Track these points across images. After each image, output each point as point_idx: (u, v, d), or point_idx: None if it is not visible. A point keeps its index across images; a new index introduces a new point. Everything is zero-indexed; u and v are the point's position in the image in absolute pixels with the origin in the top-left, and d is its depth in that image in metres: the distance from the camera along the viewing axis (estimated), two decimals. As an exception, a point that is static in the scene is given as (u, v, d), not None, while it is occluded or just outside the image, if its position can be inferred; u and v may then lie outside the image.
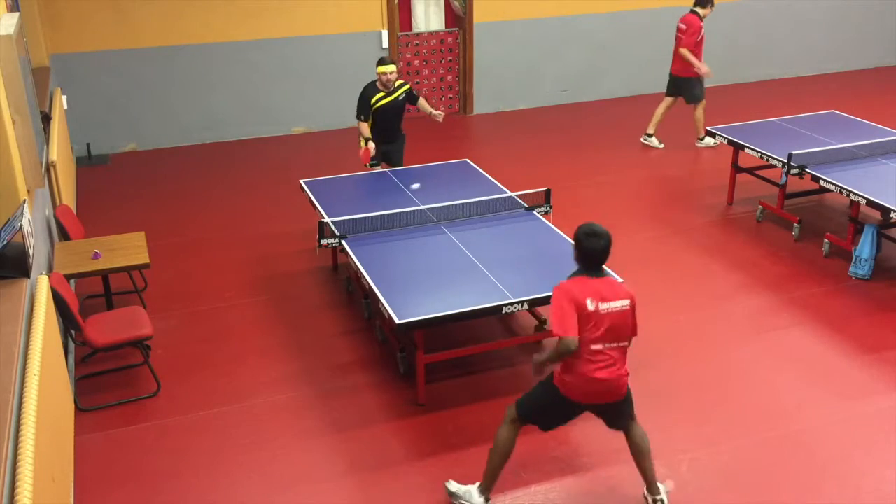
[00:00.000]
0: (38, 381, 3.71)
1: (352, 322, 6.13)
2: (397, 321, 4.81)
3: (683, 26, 9.18)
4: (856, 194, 6.43)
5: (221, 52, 9.67)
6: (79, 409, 5.13)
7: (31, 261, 4.46)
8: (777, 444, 4.77)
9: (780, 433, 4.86)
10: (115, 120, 9.56)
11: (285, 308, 6.33)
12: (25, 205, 4.60)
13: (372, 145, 6.96)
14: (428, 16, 10.60)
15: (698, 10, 9.19)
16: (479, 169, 7.17)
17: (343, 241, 5.79)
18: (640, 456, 4.21)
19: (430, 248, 5.73)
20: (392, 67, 6.92)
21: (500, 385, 5.35)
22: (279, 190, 8.46)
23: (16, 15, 5.81)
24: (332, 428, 4.98)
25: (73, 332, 5.21)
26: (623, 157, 9.32)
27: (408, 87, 7.13)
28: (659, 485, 4.27)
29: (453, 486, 4.35)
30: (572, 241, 4.03)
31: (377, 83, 7.00)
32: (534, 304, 5.04)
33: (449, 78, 10.86)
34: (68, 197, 7.27)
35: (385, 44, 10.21)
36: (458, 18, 10.66)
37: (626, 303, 3.96)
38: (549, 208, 6.27)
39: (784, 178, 7.38)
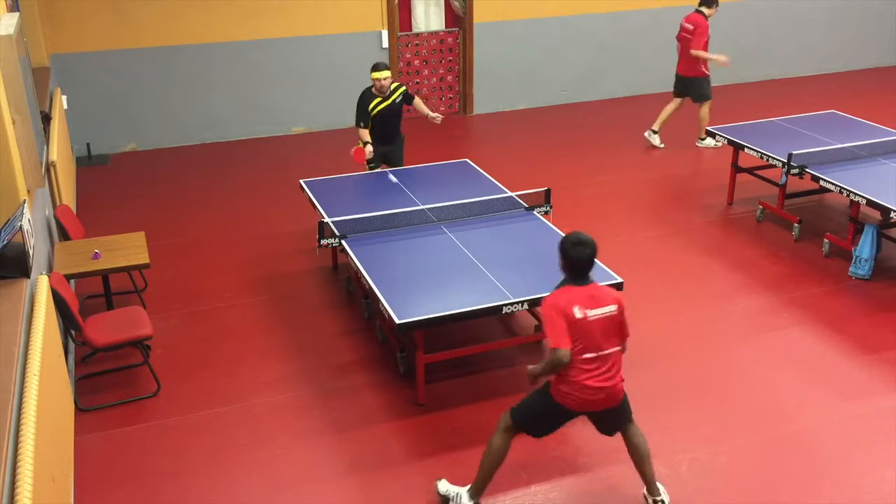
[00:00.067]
0: (38, 381, 3.71)
1: (352, 322, 6.13)
2: (397, 321, 4.81)
3: (690, 26, 9.16)
4: (856, 194, 6.43)
5: (221, 52, 9.67)
6: (79, 409, 5.13)
7: (31, 261, 4.46)
8: (777, 444, 4.77)
9: (780, 433, 4.86)
10: (115, 120, 9.56)
11: (285, 308, 6.33)
12: (25, 205, 4.60)
13: (370, 148, 6.96)
14: (428, 16, 10.60)
15: (704, 9, 9.18)
16: (479, 169, 7.17)
17: (343, 241, 5.79)
18: (640, 458, 4.21)
19: (430, 248, 5.73)
20: (386, 73, 6.91)
21: (500, 385, 5.35)
22: (279, 190, 8.46)
23: (16, 15, 5.81)
24: (332, 428, 4.98)
25: (73, 332, 5.21)
26: (623, 157, 9.32)
27: (403, 88, 7.14)
28: (659, 485, 4.27)
29: (443, 486, 4.34)
30: (558, 251, 4.04)
31: (373, 89, 7.00)
32: (534, 304, 5.03)
33: (449, 78, 10.87)
34: (68, 197, 7.27)
35: (385, 44, 10.21)
36: (458, 18, 10.66)
37: (613, 308, 3.97)
38: (549, 208, 6.27)
39: (784, 178, 7.38)
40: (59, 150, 6.95)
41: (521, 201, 6.34)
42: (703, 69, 9.26)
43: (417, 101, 7.29)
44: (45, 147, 6.52)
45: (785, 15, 11.92)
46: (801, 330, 5.91)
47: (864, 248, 6.49)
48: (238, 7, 9.54)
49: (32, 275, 4.52)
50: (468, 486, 4.28)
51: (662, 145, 9.56)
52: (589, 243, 3.97)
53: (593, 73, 11.29)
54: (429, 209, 6.22)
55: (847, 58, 12.57)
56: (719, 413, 5.05)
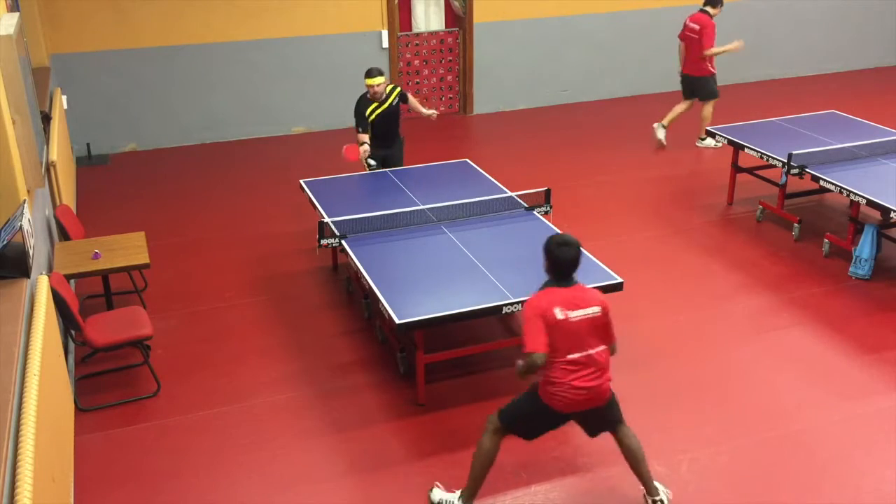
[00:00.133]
0: (38, 381, 3.71)
1: (352, 322, 6.13)
2: (397, 321, 4.81)
3: (696, 26, 9.14)
4: (856, 194, 6.43)
5: (221, 52, 9.67)
6: (79, 409, 5.13)
7: (31, 261, 4.46)
8: (777, 444, 4.77)
9: (780, 433, 4.86)
10: (115, 120, 9.56)
11: (285, 308, 6.33)
12: (25, 205, 4.60)
13: (365, 147, 6.94)
14: (428, 16, 10.60)
15: (709, 9, 9.17)
16: (479, 169, 7.17)
17: (343, 241, 5.80)
18: (635, 460, 4.20)
19: (430, 248, 5.73)
20: (380, 79, 6.87)
21: (500, 385, 5.35)
22: (279, 190, 8.46)
23: (16, 15, 5.81)
24: (332, 428, 4.98)
25: (73, 332, 5.21)
26: (623, 157, 9.32)
27: (398, 90, 7.12)
28: (657, 485, 4.27)
29: (437, 495, 4.33)
30: (543, 252, 4.04)
31: (368, 95, 6.98)
32: (534, 304, 5.03)
33: (449, 78, 10.87)
34: (68, 197, 7.27)
35: (385, 44, 10.21)
36: (458, 18, 10.66)
37: (597, 309, 3.97)
38: (549, 208, 6.27)
39: (784, 178, 7.38)
40: (59, 150, 6.95)
41: (521, 201, 6.34)
42: (710, 68, 9.26)
43: (411, 99, 7.29)
44: (45, 147, 6.52)
45: (785, 15, 11.92)
46: (801, 330, 5.91)
47: (864, 248, 6.49)
48: (238, 7, 9.54)
49: (32, 275, 4.52)
50: (460, 492, 4.28)
51: (665, 143, 9.55)
52: (573, 244, 3.99)
53: (593, 73, 11.29)
54: (429, 209, 6.23)
55: (847, 58, 12.58)
56: (719, 413, 5.05)
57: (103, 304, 5.90)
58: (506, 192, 6.51)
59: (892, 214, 6.12)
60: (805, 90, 11.64)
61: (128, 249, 5.84)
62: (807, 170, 6.94)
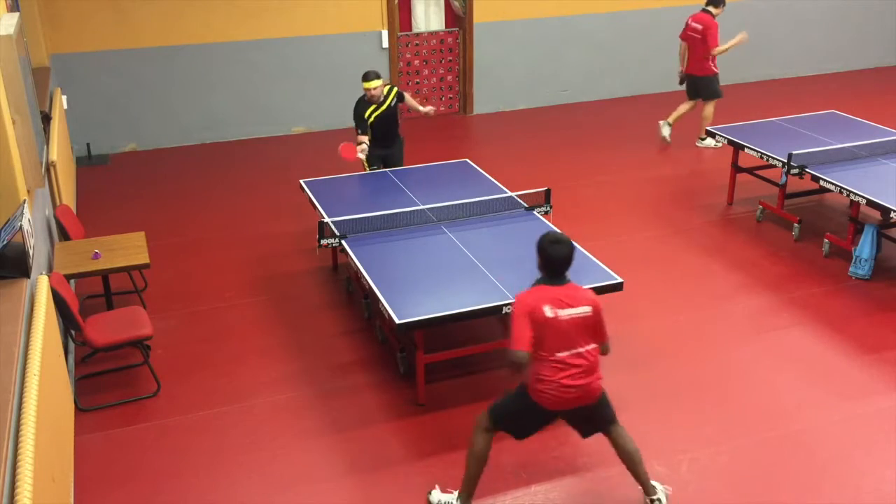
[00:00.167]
0: (38, 381, 3.71)
1: (352, 322, 6.13)
2: (397, 321, 4.81)
3: (699, 26, 9.14)
4: (856, 194, 6.43)
5: (221, 52, 9.67)
6: (79, 409, 5.13)
7: (31, 261, 4.46)
8: (777, 444, 4.77)
9: (780, 433, 4.86)
10: (115, 120, 9.56)
11: (285, 308, 6.33)
12: (25, 205, 4.60)
13: (363, 147, 6.93)
14: (428, 16, 10.60)
15: (711, 9, 9.17)
16: (479, 169, 7.17)
17: (343, 241, 5.80)
18: (630, 461, 4.19)
19: (430, 248, 5.73)
20: (376, 83, 6.86)
21: (500, 385, 5.33)
22: (279, 190, 8.46)
23: (16, 15, 5.81)
24: (331, 428, 4.98)
25: (73, 332, 5.21)
26: (623, 157, 9.32)
27: (395, 90, 7.12)
28: (654, 484, 4.26)
29: (435, 497, 4.33)
30: (536, 250, 4.04)
31: (365, 97, 6.98)
32: (534, 304, 5.03)
33: (449, 78, 10.87)
34: (68, 197, 7.27)
35: (385, 44, 10.21)
36: (458, 18, 10.66)
37: (587, 309, 3.96)
38: (549, 208, 6.27)
39: (784, 178, 7.38)
40: (59, 150, 6.95)
41: (521, 201, 6.34)
42: (713, 67, 9.27)
43: (408, 97, 7.30)
44: (45, 147, 6.52)
45: (785, 15, 11.92)
46: (801, 330, 5.91)
47: (864, 248, 6.49)
48: (238, 7, 9.54)
49: (32, 275, 4.52)
50: (457, 492, 4.28)
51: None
52: (566, 242, 4.00)
53: (593, 73, 11.29)
54: (429, 209, 6.23)
55: (847, 58, 12.58)
56: (719, 413, 5.05)
57: (103, 304, 5.90)
58: (506, 192, 6.51)
59: (892, 214, 6.12)
60: (805, 90, 11.64)
61: (128, 249, 5.84)
62: (807, 170, 6.94)
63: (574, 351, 3.95)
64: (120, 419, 5.09)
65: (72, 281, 5.81)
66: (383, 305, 4.98)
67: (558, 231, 4.08)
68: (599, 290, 5.09)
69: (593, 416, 4.15)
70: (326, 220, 5.99)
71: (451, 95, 10.96)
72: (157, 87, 9.59)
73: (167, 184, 8.80)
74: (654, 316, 6.11)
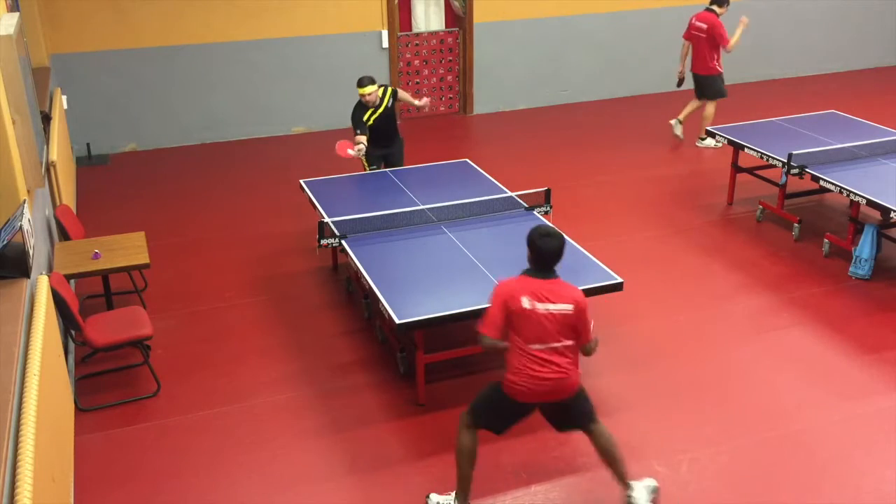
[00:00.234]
0: (38, 381, 3.71)
1: (352, 322, 6.13)
2: (397, 321, 4.81)
3: (704, 25, 9.15)
4: (856, 194, 6.43)
5: (221, 52, 9.67)
6: (79, 409, 5.13)
7: (31, 261, 4.46)
8: (777, 444, 4.77)
9: (780, 433, 4.86)
10: (115, 120, 9.56)
11: (285, 308, 6.33)
12: (25, 205, 4.60)
13: (361, 146, 6.92)
14: (428, 16, 10.60)
15: (715, 8, 9.19)
16: (479, 169, 7.17)
17: (343, 241, 5.80)
18: (609, 459, 4.16)
19: (430, 248, 5.73)
20: (371, 88, 6.87)
21: (500, 385, 5.34)
22: (279, 190, 8.46)
23: (16, 15, 5.81)
24: (332, 428, 4.98)
25: (73, 332, 5.21)
26: (623, 157, 9.32)
27: (390, 90, 7.13)
28: (631, 483, 4.20)
29: (434, 499, 4.32)
30: (526, 242, 4.05)
31: (362, 102, 6.98)
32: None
33: (449, 78, 10.87)
34: (68, 197, 7.27)
35: (385, 44, 10.21)
36: (458, 18, 10.66)
37: (568, 307, 3.94)
38: (549, 208, 6.27)
39: (784, 178, 7.38)
40: (59, 150, 6.95)
41: (521, 201, 6.34)
42: (717, 66, 9.28)
43: (401, 93, 7.31)
44: (45, 147, 6.52)
45: (785, 15, 11.92)
46: (801, 330, 5.91)
47: (864, 248, 6.49)
48: (238, 7, 9.54)
49: (32, 275, 4.52)
50: (454, 493, 4.27)
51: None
52: (556, 235, 4.01)
53: (593, 73, 11.29)
54: (429, 209, 6.23)
55: (847, 58, 12.57)
56: (719, 413, 5.05)
57: (103, 304, 5.90)
58: (506, 192, 6.51)
59: (892, 214, 6.12)
60: (805, 90, 11.64)
61: (128, 249, 5.84)
62: (807, 170, 6.94)
63: (549, 346, 3.94)
64: (120, 419, 5.09)
65: (72, 281, 5.81)
66: (383, 305, 4.98)
67: (550, 225, 4.07)
68: (599, 291, 5.11)
69: (569, 410, 4.14)
70: (326, 219, 5.99)
71: (451, 95, 10.96)
72: (157, 87, 9.59)
73: (167, 184, 8.80)
74: (654, 316, 6.11)
